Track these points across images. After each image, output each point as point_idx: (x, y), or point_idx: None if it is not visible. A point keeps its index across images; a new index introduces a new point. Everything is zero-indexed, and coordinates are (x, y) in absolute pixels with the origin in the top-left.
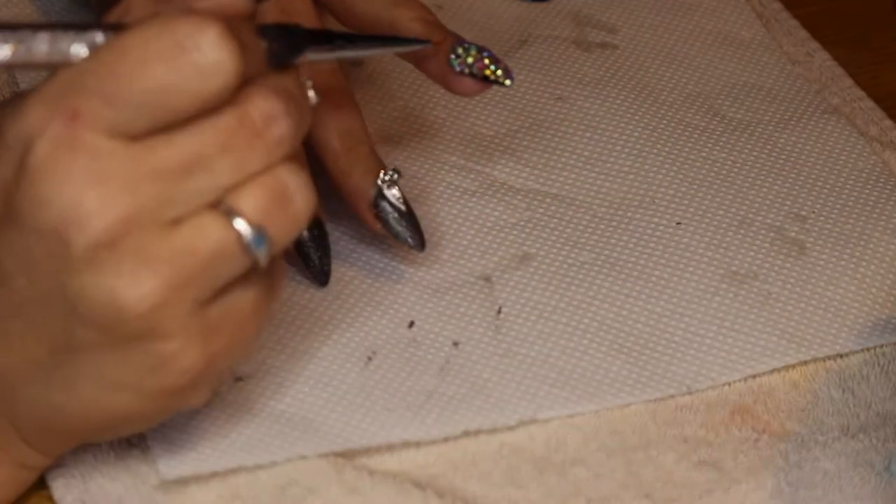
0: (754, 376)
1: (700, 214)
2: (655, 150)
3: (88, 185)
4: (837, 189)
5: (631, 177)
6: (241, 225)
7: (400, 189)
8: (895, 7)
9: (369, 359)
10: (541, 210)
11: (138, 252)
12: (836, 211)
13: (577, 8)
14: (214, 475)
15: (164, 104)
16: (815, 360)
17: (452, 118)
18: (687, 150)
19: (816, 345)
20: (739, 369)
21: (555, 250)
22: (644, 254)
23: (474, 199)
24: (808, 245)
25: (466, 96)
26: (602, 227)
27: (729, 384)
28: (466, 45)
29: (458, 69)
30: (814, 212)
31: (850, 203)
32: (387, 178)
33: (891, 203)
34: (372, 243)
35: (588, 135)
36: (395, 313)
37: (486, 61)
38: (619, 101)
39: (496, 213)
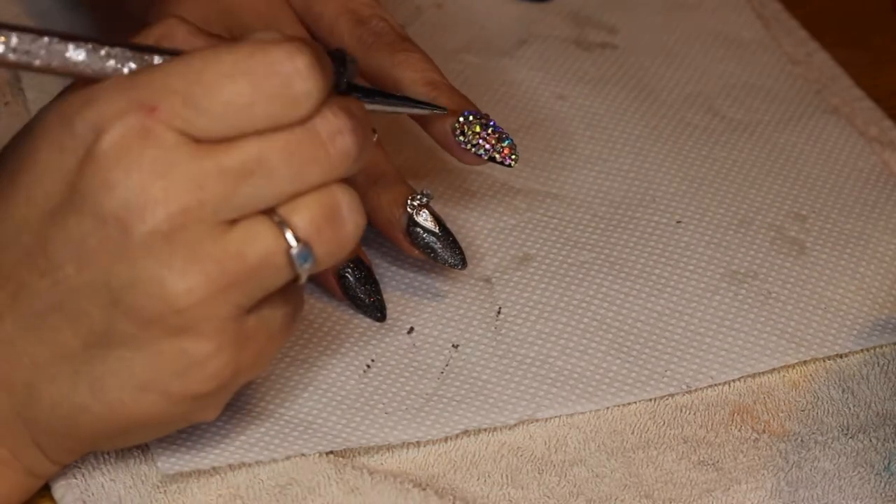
0: (754, 376)
1: (700, 214)
2: (655, 150)
3: (155, 176)
4: (837, 189)
5: (631, 176)
6: (290, 238)
7: (431, 211)
8: (895, 7)
9: (368, 366)
10: (541, 210)
11: (192, 247)
12: (835, 211)
13: (577, 8)
14: (215, 475)
15: (242, 118)
16: (814, 360)
17: None
18: (687, 149)
19: (816, 345)
20: (739, 369)
21: (555, 250)
22: (644, 253)
23: (474, 200)
24: (807, 245)
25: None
26: (602, 226)
27: (729, 384)
28: (471, 119)
29: (463, 145)
30: (814, 211)
31: (850, 203)
32: (415, 203)
33: (891, 203)
34: (370, 247)
35: (588, 134)
36: (395, 320)
37: (492, 139)
38: (619, 101)
39: (496, 214)
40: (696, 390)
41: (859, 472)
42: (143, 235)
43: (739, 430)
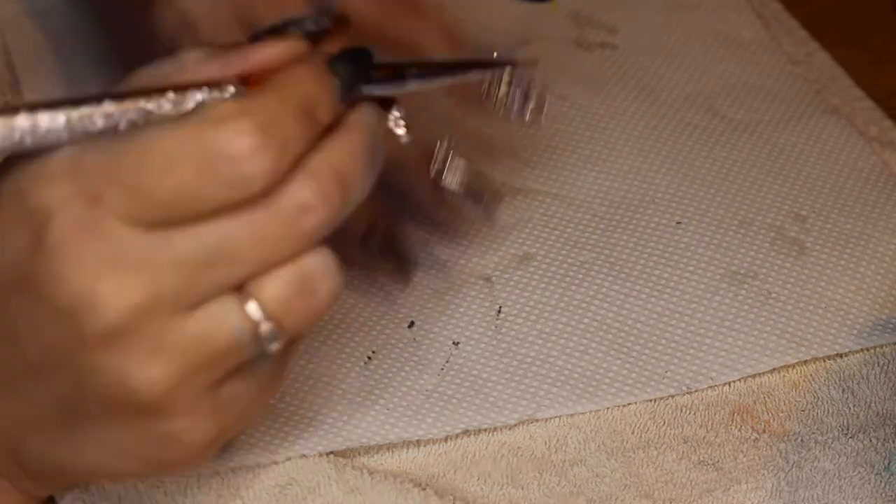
0: (754, 376)
1: (700, 214)
2: (655, 150)
3: (103, 271)
4: (837, 189)
5: (631, 176)
6: (258, 316)
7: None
8: (895, 7)
9: (369, 358)
10: (541, 210)
11: (152, 339)
12: (835, 211)
13: (577, 8)
14: (215, 475)
15: (193, 203)
16: (814, 359)
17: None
18: (687, 149)
19: (816, 345)
20: (739, 369)
21: (555, 250)
22: (644, 253)
23: None
24: (807, 245)
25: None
26: (602, 226)
27: (729, 384)
28: (501, 74)
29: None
30: (814, 212)
31: (850, 203)
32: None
33: (891, 203)
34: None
35: (588, 134)
36: (395, 313)
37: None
38: (619, 101)
39: (496, 213)
40: (695, 390)
41: (859, 472)
42: (99, 331)
43: (739, 430)
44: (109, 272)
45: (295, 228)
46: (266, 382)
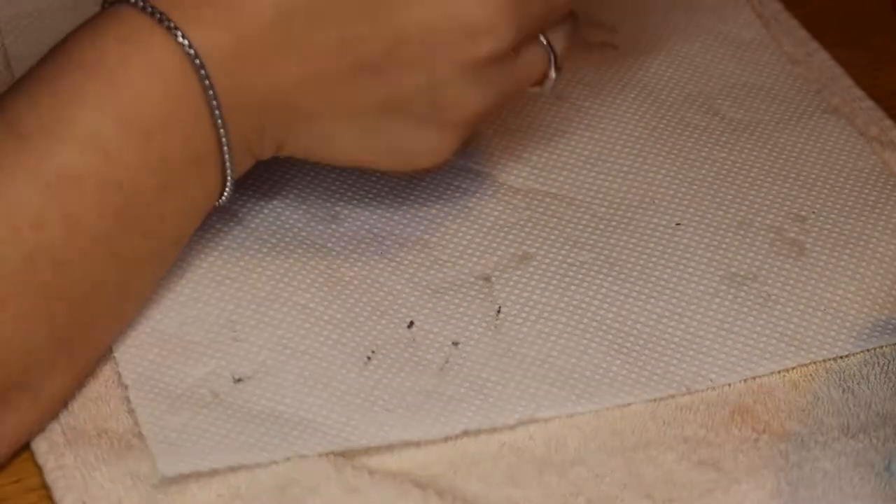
0: (754, 377)
1: (700, 215)
2: (655, 150)
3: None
4: (837, 189)
5: (631, 177)
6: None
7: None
8: (895, 7)
9: (368, 358)
10: (540, 210)
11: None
12: (835, 211)
13: (577, 8)
14: (215, 475)
15: None
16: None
17: None
18: (687, 150)
19: (816, 347)
20: (739, 371)
21: (554, 250)
22: (644, 254)
23: (474, 199)
24: (807, 246)
25: None
26: (602, 226)
27: (729, 384)
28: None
29: None
30: (813, 212)
31: (850, 203)
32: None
33: (891, 203)
34: (372, 243)
35: (588, 134)
36: (395, 313)
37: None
38: (619, 101)
39: (496, 213)
40: (696, 390)
41: (859, 472)
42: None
43: (739, 430)
44: (519, 9)
45: None
46: (512, 89)
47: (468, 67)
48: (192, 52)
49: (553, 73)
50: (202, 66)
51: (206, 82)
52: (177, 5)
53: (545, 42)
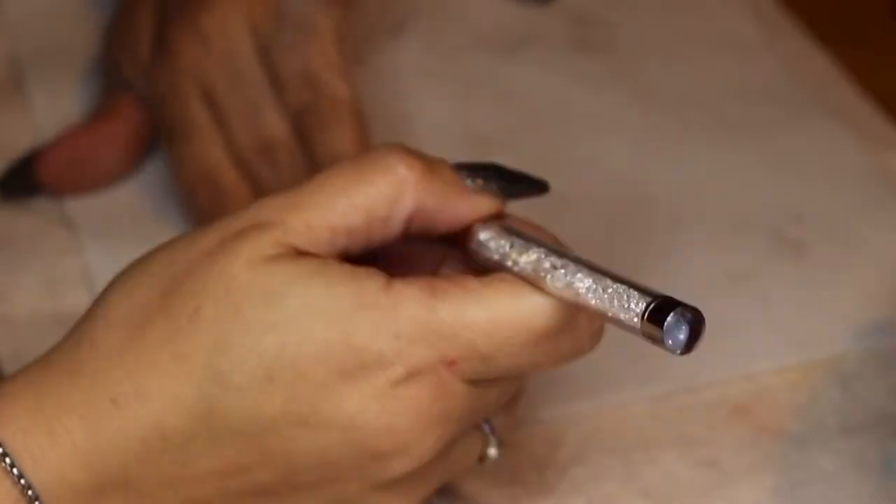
0: (753, 376)
1: (699, 214)
2: (655, 150)
3: (434, 425)
4: (837, 189)
5: (630, 176)
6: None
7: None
8: (894, 7)
9: None
10: (541, 209)
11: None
12: (835, 211)
13: (577, 8)
14: None
15: (517, 370)
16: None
17: (453, 118)
18: (686, 149)
19: (815, 346)
20: (738, 369)
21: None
22: (643, 254)
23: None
24: (807, 246)
25: None
26: (601, 226)
27: (728, 383)
28: None
29: None
30: (813, 212)
31: (850, 203)
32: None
33: (890, 203)
34: None
35: (587, 134)
36: None
37: None
38: (619, 101)
39: None
40: (695, 389)
41: (859, 471)
42: (394, 475)
43: (739, 430)
44: (439, 425)
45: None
46: (444, 480)
47: (380, 485)
48: (24, 482)
49: (493, 452)
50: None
51: None
52: (15, 427)
53: (483, 424)
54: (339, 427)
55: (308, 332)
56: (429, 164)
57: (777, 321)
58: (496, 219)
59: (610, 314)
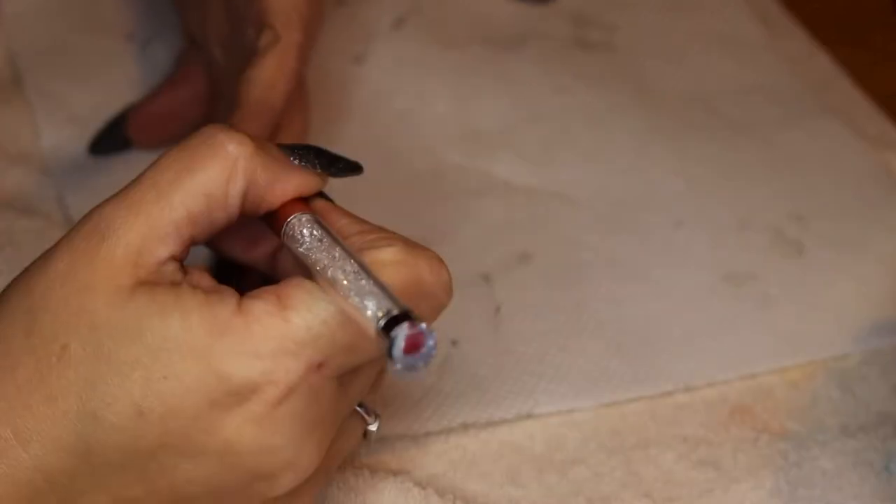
0: (754, 376)
1: (699, 214)
2: (655, 150)
3: (315, 433)
4: (837, 189)
5: (631, 176)
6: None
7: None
8: (895, 7)
9: None
10: (541, 209)
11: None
12: (835, 211)
13: (577, 8)
14: None
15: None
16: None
17: (452, 117)
18: (687, 149)
19: (815, 346)
20: (738, 369)
21: (554, 249)
22: (643, 253)
23: (474, 198)
24: (807, 246)
25: None
26: (601, 226)
27: (728, 383)
28: None
29: None
30: (813, 212)
31: (850, 203)
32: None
33: (890, 203)
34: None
35: (588, 134)
36: None
37: None
38: (619, 101)
39: (496, 212)
40: (695, 389)
41: (859, 471)
42: (282, 489)
43: (739, 430)
44: (316, 431)
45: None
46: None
47: (274, 499)
48: None
49: (373, 427)
50: None
51: None
52: None
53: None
54: (218, 454)
55: (170, 367)
56: (257, 139)
57: (777, 321)
58: (318, 196)
59: (359, 319)
